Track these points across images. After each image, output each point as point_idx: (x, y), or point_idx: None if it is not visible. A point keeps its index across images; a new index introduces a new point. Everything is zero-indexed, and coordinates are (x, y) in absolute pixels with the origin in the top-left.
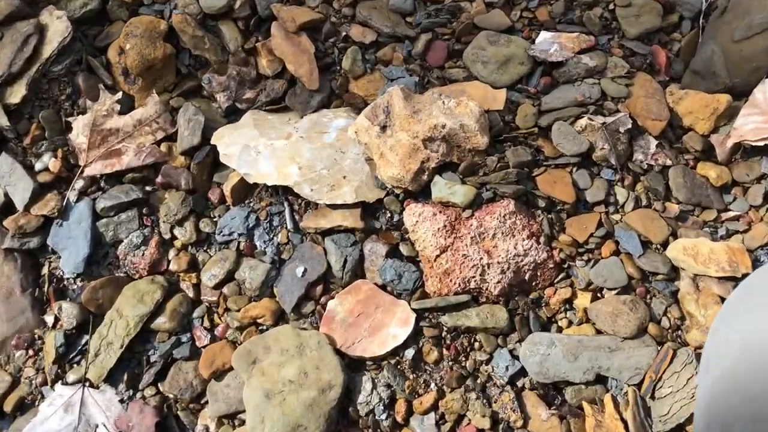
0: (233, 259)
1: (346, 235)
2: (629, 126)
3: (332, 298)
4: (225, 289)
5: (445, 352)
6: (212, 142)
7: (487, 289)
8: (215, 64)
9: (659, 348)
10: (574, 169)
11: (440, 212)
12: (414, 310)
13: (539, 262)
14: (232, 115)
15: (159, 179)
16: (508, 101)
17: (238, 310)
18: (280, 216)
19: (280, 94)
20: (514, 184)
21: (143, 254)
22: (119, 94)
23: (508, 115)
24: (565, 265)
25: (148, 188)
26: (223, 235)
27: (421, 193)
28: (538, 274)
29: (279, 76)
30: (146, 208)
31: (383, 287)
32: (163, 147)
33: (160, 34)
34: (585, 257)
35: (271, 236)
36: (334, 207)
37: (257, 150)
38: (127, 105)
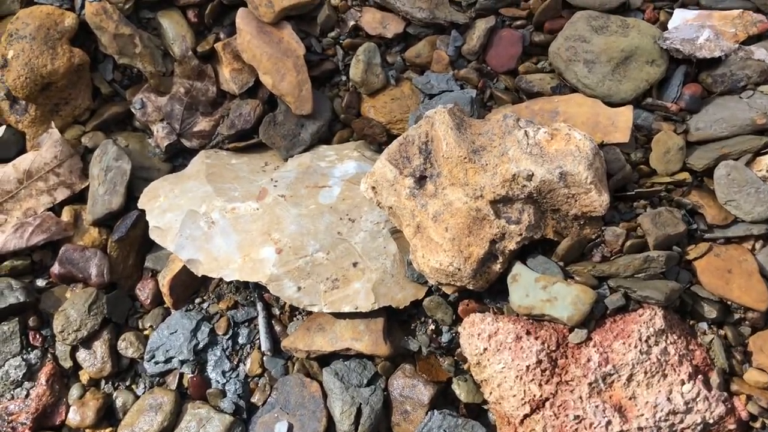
0: (171, 405)
1: (359, 364)
2: None
3: None
4: None
5: None
6: (140, 204)
7: None
8: (152, 78)
9: None
10: (759, 245)
11: (529, 333)
12: None
13: (711, 421)
14: (177, 158)
15: (56, 269)
16: (633, 128)
17: None
18: (249, 327)
19: (252, 122)
20: (658, 278)
21: (27, 397)
22: (0, 129)
23: (635, 151)
24: (757, 424)
25: (38, 283)
26: (157, 363)
27: (488, 292)
28: None
29: (250, 94)
30: (33, 318)
31: None
32: (66, 214)
33: (63, 34)
34: None
35: (235, 363)
36: (338, 316)
37: (209, 219)
38: (14, 146)
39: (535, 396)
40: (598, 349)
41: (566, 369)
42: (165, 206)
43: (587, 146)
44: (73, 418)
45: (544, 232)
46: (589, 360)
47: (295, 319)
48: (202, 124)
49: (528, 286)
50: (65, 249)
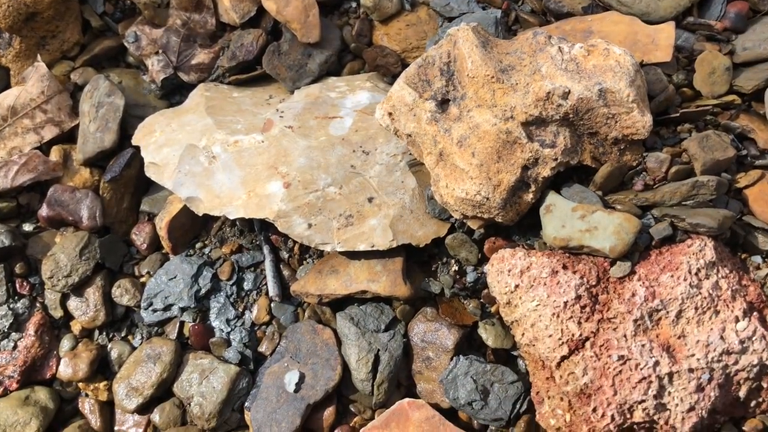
0: (171, 355)
1: (376, 308)
2: None
3: None
4: (156, 415)
5: None
6: (134, 141)
7: (668, 422)
8: (146, 9)
9: None
10: None
11: (566, 267)
12: None
13: None
14: (174, 95)
15: (44, 211)
16: (675, 47)
17: None
18: (255, 272)
19: (254, 53)
20: (708, 206)
21: (14, 348)
22: None
23: (677, 72)
24: None
25: (25, 228)
26: (155, 311)
27: (518, 227)
28: (765, 385)
29: (252, 24)
30: (20, 265)
31: (451, 413)
32: (54, 154)
33: None
34: None
35: (240, 310)
36: (353, 257)
37: (210, 153)
38: None
39: (573, 335)
40: (643, 283)
41: (608, 305)
42: (161, 141)
43: (628, 61)
44: (65, 370)
45: (580, 157)
46: (633, 294)
47: (305, 262)
48: (201, 56)
49: (564, 216)
50: (54, 190)
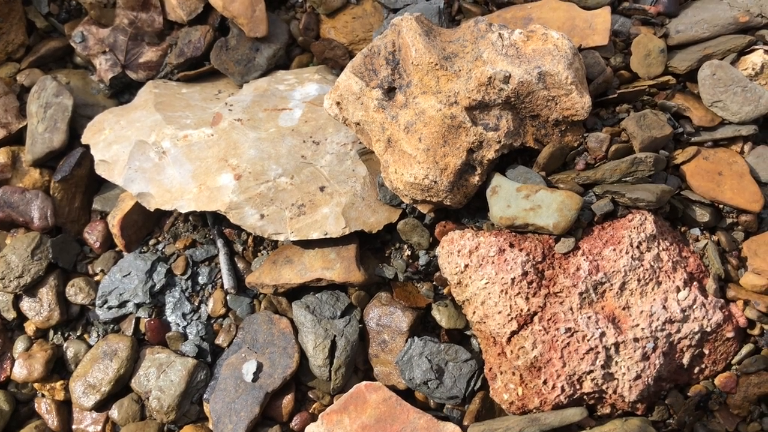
0: (128, 351)
1: (331, 295)
2: None
3: (313, 419)
4: (114, 411)
5: None
6: (84, 139)
7: (616, 391)
8: (92, 9)
9: None
10: (748, 147)
11: (513, 245)
12: None
13: (709, 329)
14: (123, 93)
15: None
16: (611, 32)
17: None
18: (210, 266)
19: (202, 49)
20: (647, 182)
21: None
22: None
23: (615, 55)
24: (755, 331)
25: None
26: (110, 308)
27: (466, 210)
28: (707, 352)
29: (200, 21)
30: None
31: (407, 394)
32: (2, 156)
33: None
34: None
35: (196, 304)
36: (307, 246)
37: (160, 149)
38: None
39: (522, 310)
40: (587, 257)
41: (554, 280)
42: (111, 138)
43: (566, 45)
44: (19, 372)
45: (523, 139)
46: (578, 269)
47: (259, 254)
48: (149, 54)
49: (509, 196)
50: (3, 191)
